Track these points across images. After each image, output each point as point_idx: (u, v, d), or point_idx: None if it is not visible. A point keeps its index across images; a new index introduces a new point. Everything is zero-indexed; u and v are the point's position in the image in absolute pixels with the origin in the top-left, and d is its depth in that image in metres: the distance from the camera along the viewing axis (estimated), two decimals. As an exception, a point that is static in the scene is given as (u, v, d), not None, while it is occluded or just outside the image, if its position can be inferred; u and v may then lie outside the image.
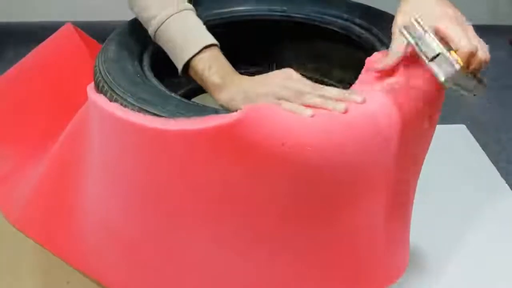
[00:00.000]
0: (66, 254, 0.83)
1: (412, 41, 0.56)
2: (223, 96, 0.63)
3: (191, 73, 0.67)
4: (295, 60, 0.97)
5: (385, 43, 0.77)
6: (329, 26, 0.88)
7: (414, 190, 0.77)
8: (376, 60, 0.66)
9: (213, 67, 0.65)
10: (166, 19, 0.67)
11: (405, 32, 0.57)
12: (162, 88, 0.65)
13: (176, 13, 0.67)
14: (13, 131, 1.03)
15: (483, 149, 1.28)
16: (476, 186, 1.15)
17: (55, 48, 1.03)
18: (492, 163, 1.23)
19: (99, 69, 0.68)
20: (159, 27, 0.68)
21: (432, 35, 0.55)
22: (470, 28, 0.60)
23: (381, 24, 0.81)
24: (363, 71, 0.67)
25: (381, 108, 0.57)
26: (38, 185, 0.85)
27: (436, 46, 0.55)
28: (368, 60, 0.68)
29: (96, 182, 0.72)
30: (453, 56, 0.55)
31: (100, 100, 0.63)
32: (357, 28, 0.84)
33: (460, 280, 0.92)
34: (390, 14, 0.84)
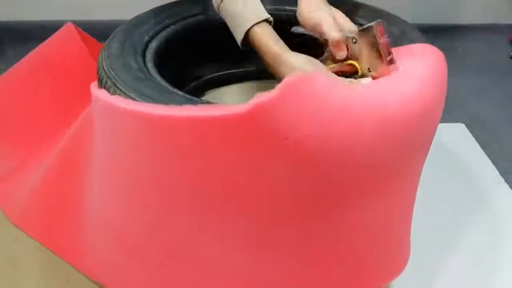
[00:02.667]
0: (67, 254, 0.83)
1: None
2: (297, 62, 0.70)
3: (251, 41, 0.73)
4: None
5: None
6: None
7: (416, 187, 0.77)
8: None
9: (266, 33, 0.72)
10: None
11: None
12: (165, 84, 0.66)
13: None
14: (13, 131, 1.03)
15: (482, 147, 1.28)
16: (475, 184, 1.15)
17: (55, 47, 1.03)
18: (492, 161, 1.24)
19: (102, 65, 0.68)
20: (221, 2, 0.73)
21: None
22: None
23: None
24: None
25: (402, 109, 0.58)
26: (41, 184, 0.85)
27: None
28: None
29: (99, 180, 0.72)
30: None
31: (102, 94, 0.63)
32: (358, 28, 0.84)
33: (459, 279, 0.92)
34: (392, 15, 0.84)
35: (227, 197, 0.59)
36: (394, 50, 0.71)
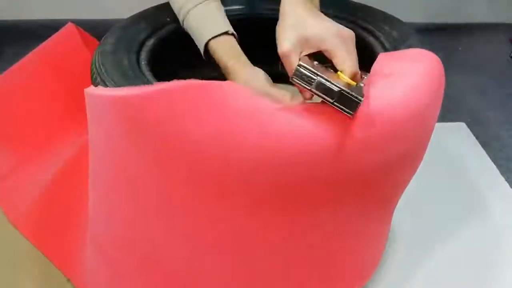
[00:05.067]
0: (58, 260, 0.83)
1: (309, 88, 0.54)
2: (242, 76, 0.69)
3: (211, 52, 0.73)
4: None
5: (386, 47, 0.76)
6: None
7: (403, 190, 0.76)
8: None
9: (222, 47, 0.72)
10: (192, 9, 0.74)
11: (298, 82, 0.55)
12: (155, 82, 0.65)
13: (200, 3, 0.74)
14: (13, 130, 1.03)
15: (483, 146, 1.28)
16: (476, 184, 1.15)
17: (56, 48, 1.03)
18: (492, 160, 1.23)
19: (95, 61, 0.68)
20: (185, 17, 0.75)
21: (325, 77, 0.53)
22: (349, 37, 0.59)
23: (383, 27, 0.80)
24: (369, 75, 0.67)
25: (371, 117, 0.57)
26: (45, 189, 0.86)
27: (334, 87, 0.53)
28: (374, 67, 0.68)
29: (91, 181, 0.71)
30: (352, 88, 0.54)
31: (88, 89, 0.62)
32: (359, 31, 0.83)
33: (459, 278, 0.92)
34: (393, 17, 0.84)
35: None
36: (390, 54, 0.70)
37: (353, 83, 0.55)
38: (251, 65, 0.71)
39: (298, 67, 0.54)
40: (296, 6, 0.60)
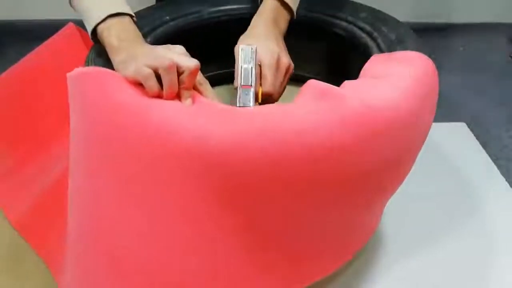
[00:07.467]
0: (52, 263, 0.83)
1: (240, 64, 0.66)
2: (117, 58, 0.64)
3: (100, 39, 0.68)
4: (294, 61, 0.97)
5: (382, 49, 0.76)
6: (332, 28, 0.88)
7: (389, 196, 0.75)
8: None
9: (113, 30, 0.66)
10: None
11: (241, 53, 0.66)
12: None
13: None
14: (11, 130, 1.03)
15: (483, 147, 1.28)
16: (476, 184, 1.15)
17: (56, 47, 1.03)
18: (493, 161, 1.23)
19: (88, 61, 0.68)
20: None
21: (254, 70, 0.66)
22: (284, 67, 0.71)
23: (382, 28, 0.80)
24: (359, 76, 0.66)
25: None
26: (46, 189, 0.85)
27: (253, 81, 0.65)
28: (364, 69, 0.67)
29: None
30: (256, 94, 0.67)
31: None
32: (357, 31, 0.83)
33: (459, 279, 0.92)
34: (393, 18, 0.83)
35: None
36: (383, 56, 0.70)
37: (259, 100, 0.68)
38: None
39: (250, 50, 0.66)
40: (264, 28, 0.73)
